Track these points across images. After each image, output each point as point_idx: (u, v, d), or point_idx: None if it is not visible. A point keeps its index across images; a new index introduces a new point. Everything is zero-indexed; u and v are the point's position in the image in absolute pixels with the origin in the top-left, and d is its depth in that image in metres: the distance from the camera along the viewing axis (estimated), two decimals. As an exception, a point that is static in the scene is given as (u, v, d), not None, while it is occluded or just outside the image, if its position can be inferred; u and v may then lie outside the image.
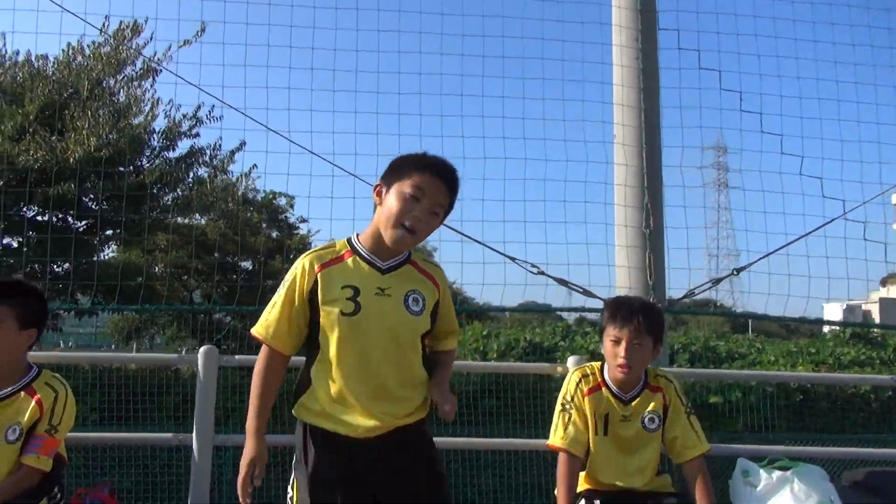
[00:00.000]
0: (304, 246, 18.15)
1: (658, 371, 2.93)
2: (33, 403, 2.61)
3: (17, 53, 10.27)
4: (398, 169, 2.25)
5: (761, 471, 2.92)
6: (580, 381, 2.84)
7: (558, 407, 2.85)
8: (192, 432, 3.08)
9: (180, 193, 11.70)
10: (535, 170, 4.91)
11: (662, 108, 5.11)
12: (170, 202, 11.57)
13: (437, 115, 4.76)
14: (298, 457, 2.24)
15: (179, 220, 14.19)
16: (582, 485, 2.84)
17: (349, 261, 2.26)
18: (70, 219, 10.04)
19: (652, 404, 2.81)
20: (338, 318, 2.18)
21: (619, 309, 2.82)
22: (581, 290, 5.14)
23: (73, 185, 8.59)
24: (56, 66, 10.08)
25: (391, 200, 2.21)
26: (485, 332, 12.47)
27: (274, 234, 19.07)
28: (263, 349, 2.28)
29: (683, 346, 11.36)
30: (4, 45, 10.15)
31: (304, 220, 18.10)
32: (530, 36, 5.15)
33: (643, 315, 2.77)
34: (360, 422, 2.16)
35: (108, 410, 7.13)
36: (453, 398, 2.27)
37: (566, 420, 2.80)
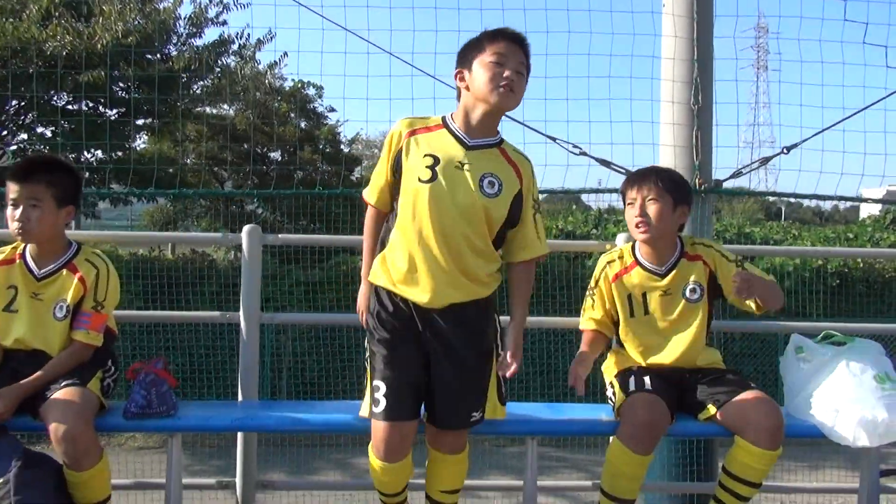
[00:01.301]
0: (333, 136, 17.92)
1: (695, 239, 2.84)
2: (76, 280, 2.61)
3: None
4: (471, 48, 2.35)
5: (816, 346, 2.86)
6: (606, 266, 2.79)
7: (587, 294, 2.85)
8: (239, 311, 3.09)
9: (209, 82, 11.52)
10: (580, 44, 4.66)
11: (715, -26, 4.76)
12: (199, 91, 11.42)
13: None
14: (369, 316, 2.45)
15: (209, 110, 14.08)
16: (627, 362, 2.79)
17: (437, 132, 2.37)
18: (101, 107, 9.96)
19: (693, 275, 2.71)
20: (414, 184, 2.29)
21: (633, 174, 2.83)
22: (623, 171, 4.99)
23: (102, 73, 8.45)
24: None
25: (478, 74, 2.30)
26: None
27: (303, 125, 18.87)
28: (370, 210, 2.50)
29: (717, 233, 11.21)
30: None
31: (332, 110, 17.81)
32: None
33: (656, 174, 2.72)
34: (423, 291, 2.28)
35: (151, 300, 7.32)
36: (520, 356, 2.40)
37: (590, 304, 2.82)
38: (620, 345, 2.83)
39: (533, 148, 4.72)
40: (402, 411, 2.33)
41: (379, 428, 2.34)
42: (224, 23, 10.95)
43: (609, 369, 2.85)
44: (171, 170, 11.77)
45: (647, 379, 2.64)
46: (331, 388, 7.42)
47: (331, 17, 4.91)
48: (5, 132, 10.38)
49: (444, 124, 2.38)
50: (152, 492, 3.16)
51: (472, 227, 2.29)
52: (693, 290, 2.72)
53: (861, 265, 8.70)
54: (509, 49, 2.30)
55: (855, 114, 4.84)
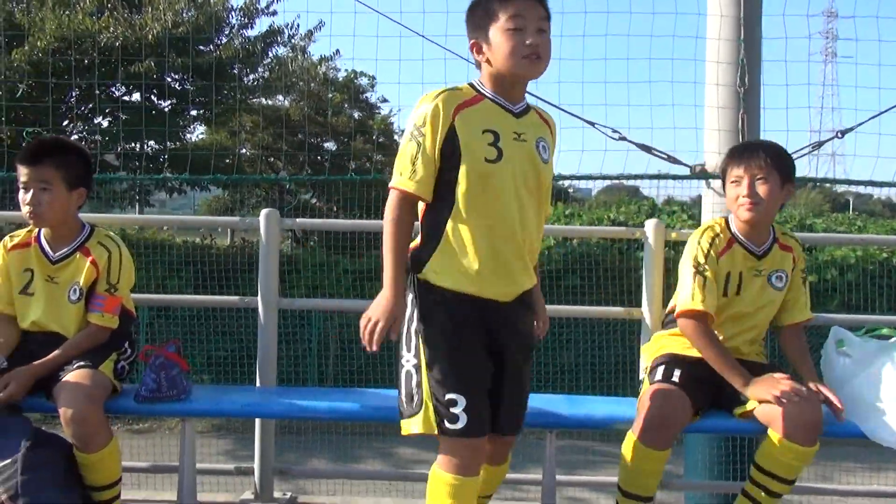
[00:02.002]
0: (385, 126, 17.99)
1: (785, 230, 2.70)
2: (88, 263, 2.62)
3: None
4: (481, 15, 2.07)
5: (858, 339, 2.68)
6: (713, 239, 2.57)
7: (690, 269, 2.54)
8: (257, 296, 3.07)
9: (261, 74, 11.67)
10: (618, 25, 4.50)
11: (764, -51, 4.53)
12: (251, 82, 11.57)
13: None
14: (423, 321, 2.06)
15: (263, 101, 14.26)
16: (663, 349, 2.65)
17: (482, 104, 2.08)
18: (154, 98, 10.18)
19: (783, 262, 2.60)
20: (480, 166, 2.02)
21: (738, 148, 2.64)
22: (665, 157, 4.80)
23: (153, 64, 8.62)
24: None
25: (497, 46, 2.03)
26: (567, 212, 12.24)
27: (356, 115, 18.98)
28: (401, 198, 2.05)
29: (778, 223, 10.79)
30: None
31: (385, 101, 17.86)
32: None
33: (765, 150, 2.54)
34: (506, 286, 2.09)
35: (204, 286, 7.44)
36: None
37: (702, 283, 2.51)
38: (673, 325, 2.69)
39: (569, 133, 4.59)
40: (484, 424, 2.06)
41: (461, 446, 2.02)
42: (274, 13, 11.06)
43: (650, 352, 2.71)
44: (227, 160, 11.98)
45: (677, 371, 2.50)
46: (378, 375, 7.41)
47: (384, 8, 4.87)
48: (67, 122, 10.70)
49: (481, 94, 2.10)
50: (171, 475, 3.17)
51: (539, 204, 2.14)
52: (779, 278, 2.59)
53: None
54: (524, 7, 2.01)
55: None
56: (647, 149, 4.84)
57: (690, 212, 10.17)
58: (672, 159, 4.78)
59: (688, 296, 2.52)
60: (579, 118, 4.79)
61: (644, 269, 3.17)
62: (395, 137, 18.05)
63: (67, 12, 8.62)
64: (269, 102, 15.64)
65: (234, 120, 14.36)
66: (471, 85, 2.12)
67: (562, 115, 4.65)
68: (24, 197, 2.56)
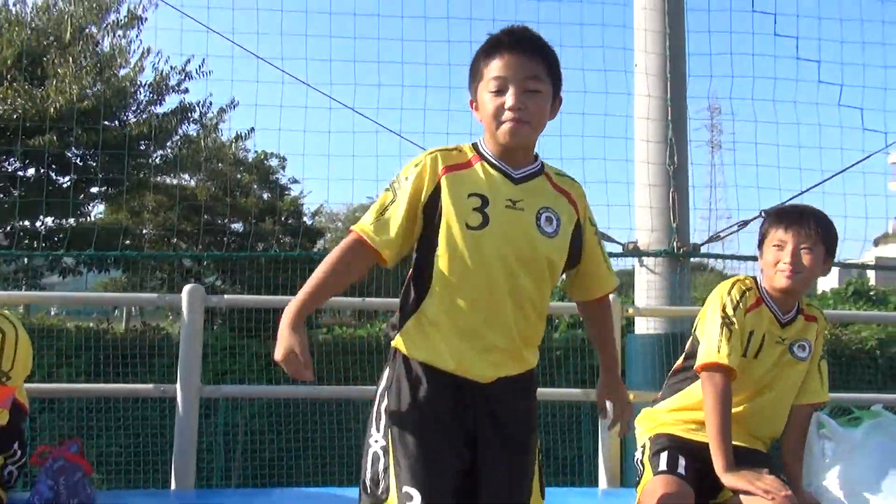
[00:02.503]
0: (295, 207, 17.72)
1: (810, 301, 2.56)
2: None
3: (-6, -1, 9.76)
4: (473, 73, 1.88)
5: (838, 426, 2.55)
6: (744, 293, 2.42)
7: (718, 319, 2.36)
8: (176, 383, 2.71)
9: (169, 152, 11.26)
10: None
11: (688, 32, 4.70)
12: (157, 160, 11.13)
13: (441, 39, 4.33)
14: (392, 397, 1.84)
15: (168, 180, 13.75)
16: (664, 428, 2.45)
17: (477, 166, 1.86)
18: (53, 174, 9.61)
19: (807, 332, 2.44)
20: (462, 231, 1.79)
21: (787, 212, 2.44)
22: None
23: (54, 138, 8.13)
24: (35, 11, 9.57)
25: (482, 104, 1.83)
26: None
27: (265, 196, 18.61)
28: (357, 243, 1.81)
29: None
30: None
31: (295, 181, 17.59)
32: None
33: (815, 219, 2.38)
34: (485, 366, 1.81)
35: (98, 374, 6.81)
36: (630, 405, 2.07)
37: (729, 336, 2.33)
38: (677, 389, 2.49)
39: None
40: None
41: None
42: (185, 90, 10.77)
43: (647, 423, 2.51)
44: (127, 241, 11.36)
45: (682, 460, 2.31)
46: (291, 470, 6.88)
47: (292, 72, 4.73)
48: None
49: (481, 155, 1.89)
50: None
51: (537, 281, 1.85)
52: (802, 347, 2.43)
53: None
54: (511, 64, 1.79)
55: (833, 176, 4.73)
56: (579, 226, 4.80)
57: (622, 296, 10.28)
58: (605, 237, 4.75)
59: (713, 347, 2.33)
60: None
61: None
62: (304, 219, 17.79)
63: (-39, 83, 8.08)
64: (174, 181, 15.15)
65: (136, 199, 13.77)
66: (474, 145, 1.91)
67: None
68: None
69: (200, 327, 2.71)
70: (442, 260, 1.81)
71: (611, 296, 2.89)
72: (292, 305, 1.76)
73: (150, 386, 2.86)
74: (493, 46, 1.83)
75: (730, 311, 2.39)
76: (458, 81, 4.62)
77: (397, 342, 1.86)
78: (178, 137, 11.12)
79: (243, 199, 17.43)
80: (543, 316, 1.90)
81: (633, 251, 4.75)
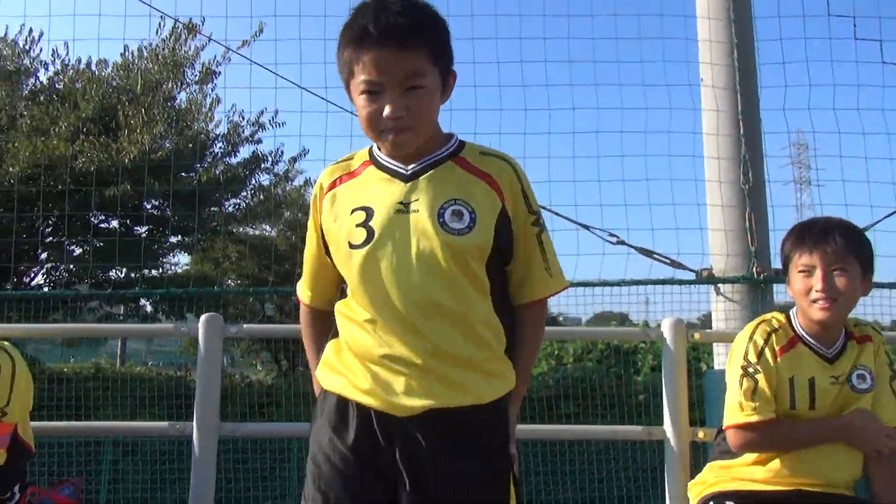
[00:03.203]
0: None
1: (858, 320, 2.18)
2: None
3: (80, 61, 10.27)
4: (339, 61, 1.58)
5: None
6: (770, 334, 2.09)
7: (737, 372, 2.06)
8: (192, 420, 2.52)
9: (244, 201, 11.49)
10: (609, 121, 4.22)
11: (758, 41, 4.35)
12: (232, 207, 11.36)
13: (493, 61, 4.13)
14: (312, 435, 1.64)
15: (249, 230, 14.03)
16: (713, 487, 2.11)
17: (364, 173, 1.62)
18: (130, 223, 9.89)
19: (863, 358, 2.08)
20: (346, 252, 1.56)
21: (808, 229, 2.10)
22: (668, 261, 4.41)
23: (128, 188, 8.36)
24: (114, 69, 10.00)
25: (357, 107, 1.56)
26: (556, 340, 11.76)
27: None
28: (302, 310, 1.80)
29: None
30: (68, 53, 10.14)
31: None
32: (597, -30, 4.46)
33: (841, 232, 2.04)
34: (395, 394, 1.51)
35: (172, 418, 6.82)
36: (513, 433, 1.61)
37: (752, 388, 2.02)
38: (728, 451, 2.12)
39: (562, 236, 4.20)
40: None
41: None
42: (259, 141, 10.99)
43: (695, 492, 2.17)
44: (208, 288, 11.52)
45: None
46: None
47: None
48: (39, 250, 10.33)
49: (372, 158, 1.64)
50: None
51: (445, 290, 1.53)
52: (861, 377, 2.06)
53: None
54: (380, 62, 1.48)
55: None
56: (647, 253, 4.44)
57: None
58: (675, 264, 4.38)
59: (734, 405, 2.02)
60: (572, 220, 4.43)
61: (664, 378, 2.65)
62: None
63: (43, 138, 8.42)
64: (256, 232, 15.47)
65: (215, 249, 14.08)
66: (370, 149, 1.66)
67: (553, 217, 4.30)
68: None
69: (219, 360, 2.53)
70: (347, 282, 1.61)
71: (673, 321, 2.56)
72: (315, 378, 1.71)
73: (166, 424, 2.68)
74: (359, 38, 1.50)
75: (752, 359, 2.06)
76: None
77: (318, 373, 1.66)
78: (251, 187, 11.34)
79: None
80: (477, 323, 1.56)
81: (708, 278, 4.35)
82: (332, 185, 1.62)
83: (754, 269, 4.22)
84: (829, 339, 2.07)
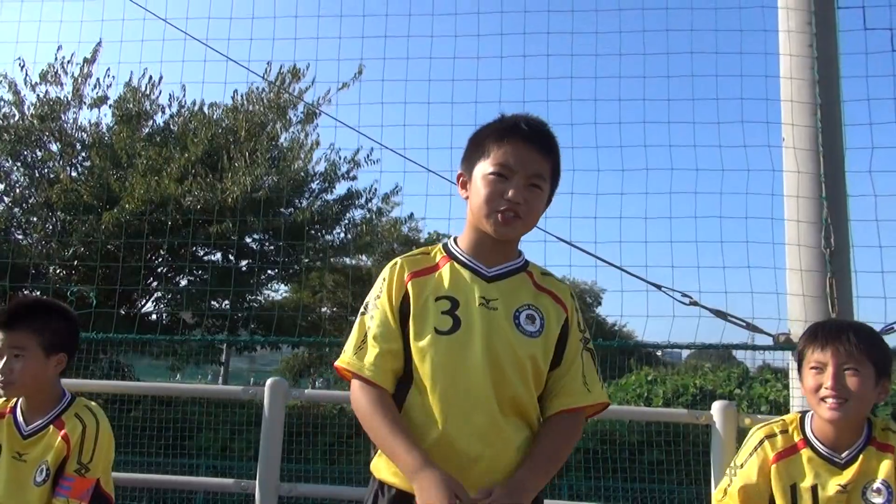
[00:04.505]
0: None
1: (889, 423, 2.08)
2: (59, 438, 2.32)
3: (194, 103, 11.01)
4: (476, 147, 1.75)
5: None
6: (763, 440, 2.09)
7: (727, 472, 2.15)
8: (255, 479, 2.69)
9: (341, 235, 11.93)
10: (684, 181, 4.19)
11: (844, 102, 4.22)
12: (329, 243, 11.81)
13: (567, 123, 4.20)
14: None
15: (347, 260, 14.53)
16: None
17: (445, 268, 1.74)
18: (232, 257, 10.45)
19: (881, 469, 2.00)
20: (432, 338, 1.65)
21: (822, 327, 2.09)
22: (744, 324, 4.31)
23: (230, 224, 8.88)
24: (224, 112, 10.66)
25: (476, 187, 1.70)
26: (650, 378, 11.48)
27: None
28: (360, 388, 1.68)
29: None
30: (184, 95, 10.89)
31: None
32: (675, 28, 4.46)
33: (855, 332, 2.01)
34: (466, 482, 1.56)
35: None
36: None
37: (724, 489, 2.10)
38: None
39: (632, 297, 4.19)
40: None
41: None
42: (354, 178, 11.42)
43: None
44: (308, 318, 12.00)
45: None
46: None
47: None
48: (152, 279, 11.06)
49: (450, 255, 1.76)
50: None
51: (517, 385, 1.65)
52: (878, 491, 1.99)
53: None
54: (520, 154, 1.67)
55: None
56: (722, 315, 4.35)
57: (785, 381, 9.31)
58: (751, 327, 4.27)
59: (716, 492, 2.13)
60: (643, 280, 4.41)
61: (712, 460, 2.63)
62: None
63: (156, 178, 9.07)
64: (353, 262, 15.97)
65: (313, 279, 14.63)
66: (444, 246, 1.79)
67: (624, 276, 4.30)
68: None
69: (281, 423, 2.69)
70: (416, 370, 1.65)
71: (723, 405, 2.55)
72: (404, 464, 1.58)
73: (231, 481, 2.86)
74: (508, 130, 1.70)
75: (738, 461, 2.08)
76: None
77: (373, 465, 1.70)
78: (346, 221, 11.77)
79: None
80: (526, 426, 1.66)
81: (785, 344, 4.23)
82: (416, 274, 1.72)
83: (836, 338, 4.07)
84: (842, 443, 2.00)
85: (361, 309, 1.75)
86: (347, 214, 11.56)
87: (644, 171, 4.23)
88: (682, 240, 4.20)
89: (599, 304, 25.35)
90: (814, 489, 1.98)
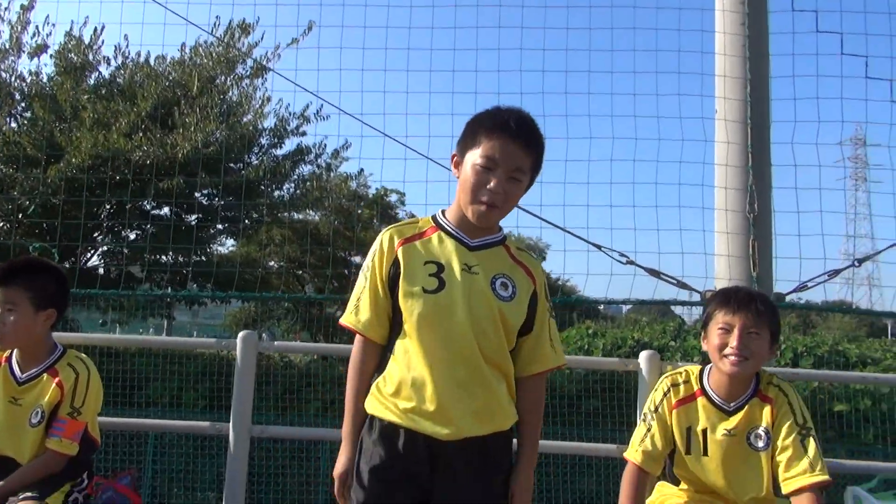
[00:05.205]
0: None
1: (774, 378, 2.43)
2: (54, 385, 2.54)
3: (139, 55, 10.80)
4: (470, 136, 2.02)
5: (876, 501, 2.43)
6: (669, 390, 2.45)
7: (641, 416, 2.49)
8: (229, 421, 2.94)
9: (291, 190, 11.96)
10: (623, 150, 4.50)
11: (772, 77, 4.56)
12: (279, 198, 11.85)
13: (516, 92, 4.43)
14: (360, 456, 1.99)
15: (295, 215, 14.57)
16: (672, 499, 2.47)
17: (433, 236, 2.04)
18: (182, 213, 10.44)
19: (761, 418, 2.35)
20: (420, 296, 1.95)
21: (733, 294, 2.43)
22: (675, 282, 4.68)
23: (182, 181, 8.87)
24: (172, 65, 10.51)
25: (465, 173, 1.99)
26: (590, 331, 11.98)
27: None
28: (357, 340, 2.06)
29: (808, 348, 10.42)
30: (127, 46, 10.67)
31: (413, 216, 18.11)
32: (620, 4, 4.72)
33: (761, 302, 2.37)
34: (442, 421, 1.89)
35: (214, 398, 7.26)
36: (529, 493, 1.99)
37: (643, 433, 2.44)
38: (673, 478, 2.50)
39: (575, 256, 4.51)
40: None
41: None
42: (303, 133, 11.43)
43: (653, 503, 2.53)
44: (254, 273, 12.07)
45: None
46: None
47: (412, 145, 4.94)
48: (97, 234, 10.97)
49: (438, 225, 2.06)
50: None
51: (491, 339, 1.94)
52: (759, 437, 2.34)
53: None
54: (504, 150, 1.92)
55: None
56: (655, 273, 4.72)
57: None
58: (682, 284, 4.65)
59: (632, 441, 2.46)
60: (585, 240, 4.73)
61: (638, 404, 2.98)
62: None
63: (104, 132, 8.97)
64: (300, 216, 15.98)
65: (262, 233, 14.64)
66: (433, 217, 2.08)
67: (567, 237, 4.61)
68: None
69: (253, 371, 2.93)
70: (405, 322, 1.94)
71: (649, 354, 2.90)
72: (344, 429, 2.01)
73: (207, 424, 3.11)
74: (498, 127, 1.95)
75: (651, 407, 2.43)
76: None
77: (367, 403, 1.99)
78: (295, 177, 11.81)
79: (364, 232, 18.14)
80: (506, 373, 1.98)
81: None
82: (406, 241, 2.02)
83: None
84: (732, 394, 2.37)
85: (361, 271, 2.07)
86: (297, 170, 11.59)
87: (587, 139, 4.52)
88: (620, 204, 4.52)
89: (544, 258, 25.96)
90: (704, 432, 2.36)
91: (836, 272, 4.59)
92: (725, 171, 4.56)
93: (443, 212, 2.08)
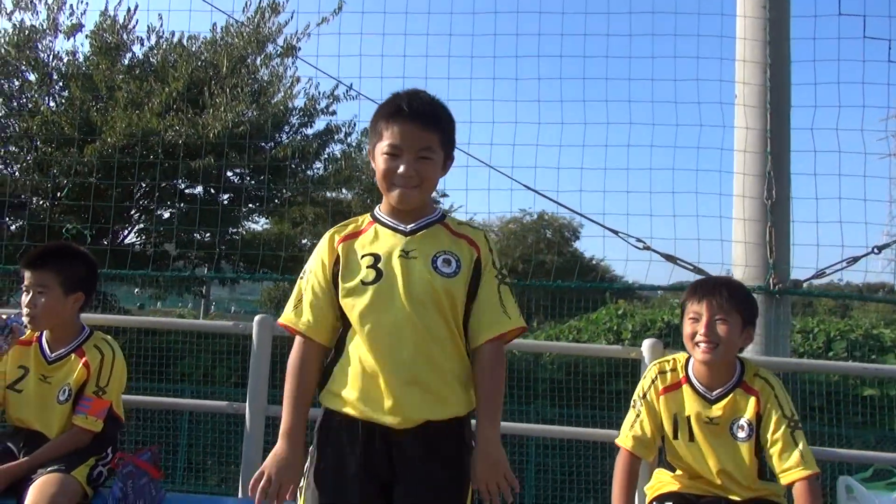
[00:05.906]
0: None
1: (759, 370, 2.48)
2: (80, 365, 2.69)
3: (173, 34, 10.98)
4: (372, 128, 2.06)
5: (867, 491, 2.48)
6: (656, 377, 2.52)
7: (631, 403, 2.56)
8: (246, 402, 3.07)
9: (321, 168, 12.09)
10: (640, 135, 4.52)
11: (793, 62, 4.52)
12: (310, 177, 11.98)
13: (534, 77, 4.47)
14: (312, 449, 2.03)
15: (329, 194, 14.72)
16: (667, 486, 2.55)
17: (370, 231, 2.07)
18: (213, 191, 10.64)
19: (747, 409, 2.40)
20: (358, 289, 1.97)
21: (701, 284, 2.52)
22: (692, 268, 4.70)
23: (212, 160, 9.05)
24: (204, 45, 10.66)
25: (377, 164, 2.02)
26: (620, 311, 11.96)
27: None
28: (297, 341, 2.05)
29: (842, 332, 10.28)
30: (162, 25, 10.84)
31: (444, 195, 18.11)
32: (640, -11, 4.69)
33: (726, 287, 2.43)
34: (391, 409, 1.90)
35: (243, 373, 7.48)
36: (503, 477, 1.91)
37: (633, 419, 2.52)
38: (669, 465, 2.58)
39: (591, 241, 4.57)
40: None
41: None
42: (333, 113, 11.52)
43: (651, 489, 2.62)
44: (288, 250, 12.27)
45: None
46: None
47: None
48: (134, 211, 11.24)
49: (375, 219, 2.08)
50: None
51: (436, 321, 1.94)
52: (741, 428, 2.40)
53: None
54: (404, 135, 1.94)
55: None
56: (672, 259, 4.75)
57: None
58: (698, 270, 4.67)
59: (622, 428, 2.54)
60: (602, 226, 4.77)
61: (640, 391, 3.04)
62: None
63: (137, 112, 9.17)
64: (333, 195, 16.12)
65: (294, 212, 14.82)
66: (371, 213, 2.12)
67: (585, 221, 4.65)
68: (24, 299, 2.68)
69: (269, 353, 3.05)
70: (350, 318, 1.98)
71: (652, 342, 2.95)
72: (282, 428, 1.97)
73: (224, 403, 3.24)
74: (393, 113, 1.97)
75: (639, 394, 2.50)
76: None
77: (322, 398, 2.03)
78: (325, 156, 11.93)
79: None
80: (457, 351, 1.98)
81: (728, 286, 4.63)
82: (345, 238, 2.06)
83: (771, 280, 4.48)
84: (715, 383, 2.42)
85: (300, 275, 2.09)
86: (327, 149, 11.71)
87: (605, 125, 4.54)
88: (637, 189, 4.54)
89: (578, 238, 25.79)
90: (688, 419, 2.42)
91: (855, 259, 4.57)
92: (744, 157, 4.55)
93: (379, 206, 2.11)
